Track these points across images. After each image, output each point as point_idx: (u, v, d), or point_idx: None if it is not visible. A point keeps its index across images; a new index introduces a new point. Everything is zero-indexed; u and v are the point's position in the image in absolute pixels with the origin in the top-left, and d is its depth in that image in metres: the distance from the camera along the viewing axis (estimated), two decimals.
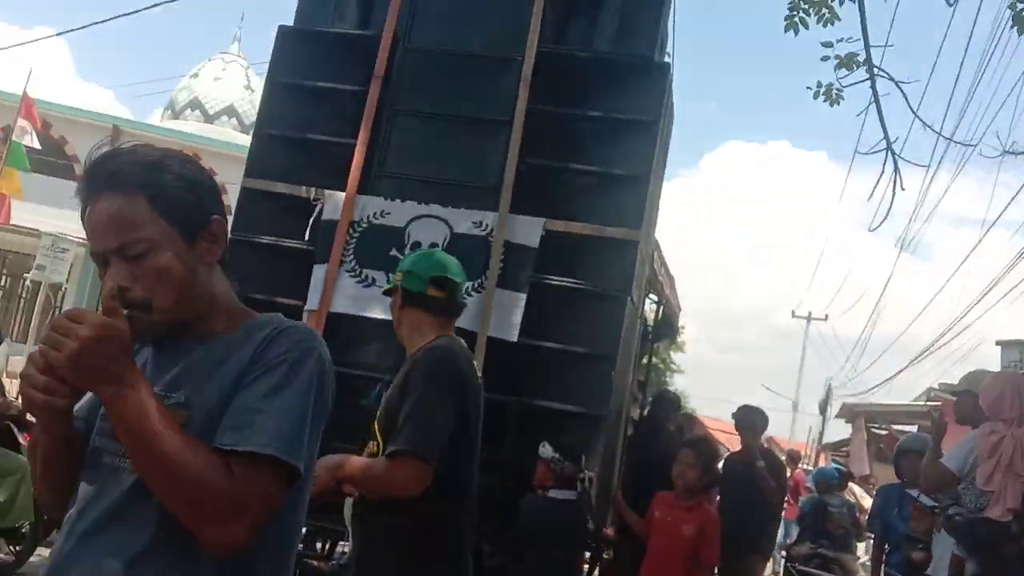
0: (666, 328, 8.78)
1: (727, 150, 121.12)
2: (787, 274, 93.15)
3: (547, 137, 4.98)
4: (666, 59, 5.34)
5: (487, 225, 4.82)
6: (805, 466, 15.00)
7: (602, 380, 4.70)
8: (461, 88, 5.00)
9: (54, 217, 20.28)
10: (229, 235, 4.83)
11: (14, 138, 15.81)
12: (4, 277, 22.65)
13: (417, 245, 4.84)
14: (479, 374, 2.99)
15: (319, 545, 5.05)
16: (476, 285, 4.73)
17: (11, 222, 16.13)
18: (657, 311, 8.18)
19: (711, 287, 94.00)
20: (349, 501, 2.87)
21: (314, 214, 4.89)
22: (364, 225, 4.89)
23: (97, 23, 22.89)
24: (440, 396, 2.71)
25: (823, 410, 27.29)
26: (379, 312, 4.74)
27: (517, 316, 4.73)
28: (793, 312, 34.21)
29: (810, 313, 33.51)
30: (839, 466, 12.89)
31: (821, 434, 26.24)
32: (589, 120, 5.04)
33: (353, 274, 4.84)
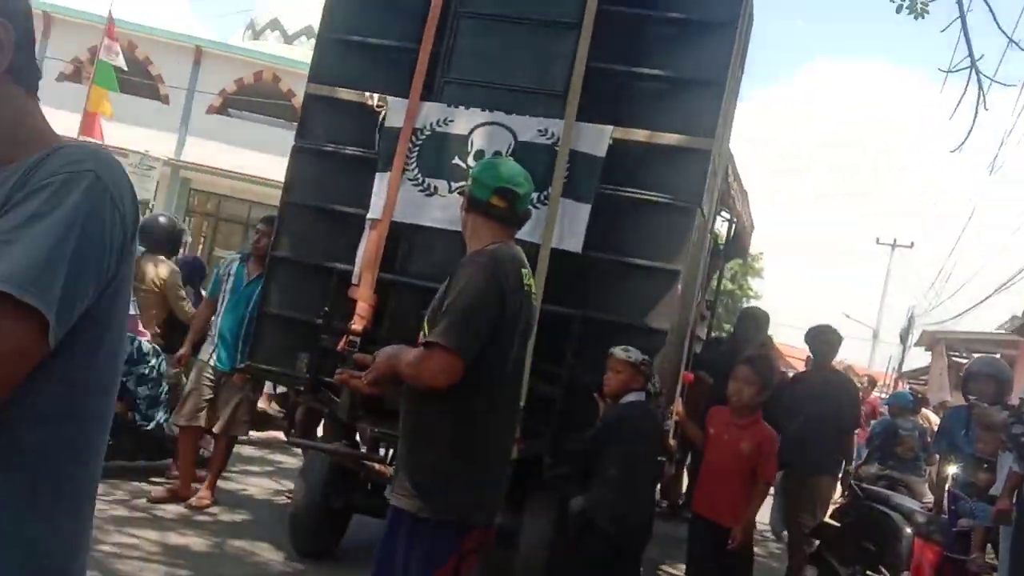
0: (738, 247, 8.47)
1: (816, 66, 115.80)
2: (874, 197, 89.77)
3: (617, 41, 4.70)
4: None
5: (553, 133, 4.60)
6: (879, 394, 14.60)
7: (667, 294, 4.51)
8: None
9: (140, 136, 20.69)
10: (296, 143, 4.62)
11: (102, 57, 15.97)
12: None
13: (481, 153, 4.66)
14: (528, 281, 2.91)
15: (382, 450, 5.05)
16: (541, 196, 4.56)
17: (103, 140, 16.43)
18: (729, 228, 7.88)
19: (793, 210, 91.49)
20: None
21: (379, 121, 4.75)
22: (427, 133, 4.72)
23: None
24: (478, 295, 2.71)
25: (904, 338, 26.55)
26: (441, 221, 4.61)
27: (582, 227, 4.54)
28: (877, 239, 33.14)
29: (895, 239, 32.41)
30: (913, 390, 12.51)
31: (901, 362, 25.56)
32: (662, 22, 4.74)
33: (415, 182, 4.70)
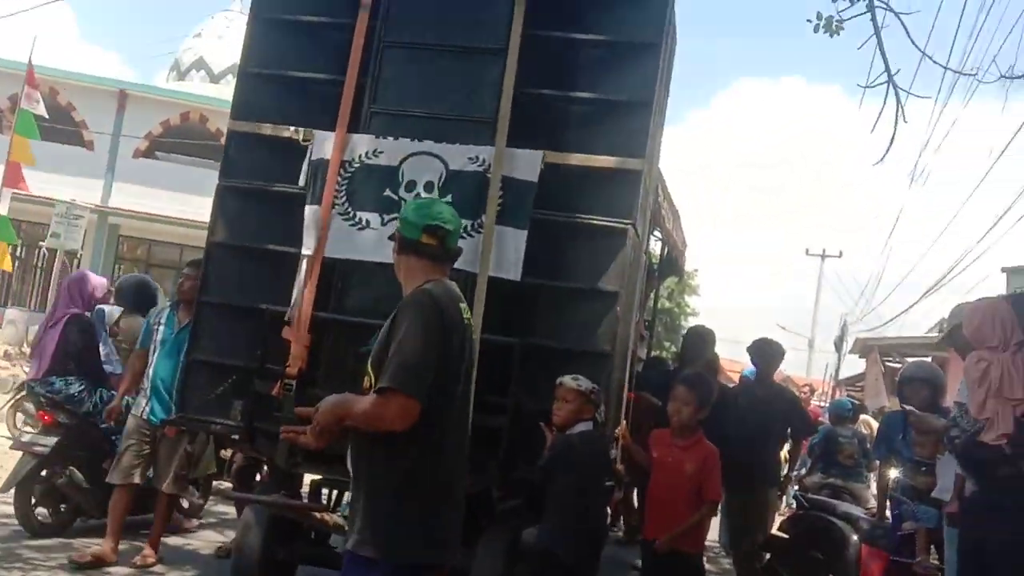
0: (672, 265, 8.48)
1: (739, 87, 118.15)
2: (801, 211, 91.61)
3: (544, 65, 4.63)
4: None
5: (484, 160, 4.51)
6: (819, 403, 14.82)
7: (607, 317, 4.44)
8: (452, 17, 4.62)
9: (64, 184, 20.10)
10: (220, 182, 4.49)
11: (22, 106, 15.58)
12: (20, 247, 22.50)
13: (412, 184, 4.55)
14: (467, 315, 2.97)
15: (325, 495, 4.86)
16: (475, 224, 4.46)
17: (26, 190, 15.92)
18: (662, 248, 7.88)
19: (724, 227, 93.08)
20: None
21: (306, 156, 4.61)
22: (356, 165, 4.59)
23: None
24: (423, 335, 2.73)
25: (839, 347, 27.00)
26: (374, 255, 4.47)
27: (518, 254, 4.45)
28: (807, 250, 33.77)
29: (824, 250, 33.06)
30: (851, 399, 12.69)
31: (837, 370, 25.98)
32: (587, 45, 4.69)
33: (346, 216, 4.55)
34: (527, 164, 4.52)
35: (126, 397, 5.73)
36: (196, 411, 4.67)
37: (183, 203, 20.39)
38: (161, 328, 5.55)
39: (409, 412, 2.66)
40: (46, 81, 20.84)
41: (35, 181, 17.97)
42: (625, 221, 4.49)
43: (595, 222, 4.48)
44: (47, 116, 15.60)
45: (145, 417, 5.46)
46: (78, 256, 20.16)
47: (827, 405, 11.27)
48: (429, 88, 4.62)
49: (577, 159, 4.55)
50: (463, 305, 2.95)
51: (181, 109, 22.67)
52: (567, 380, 4.22)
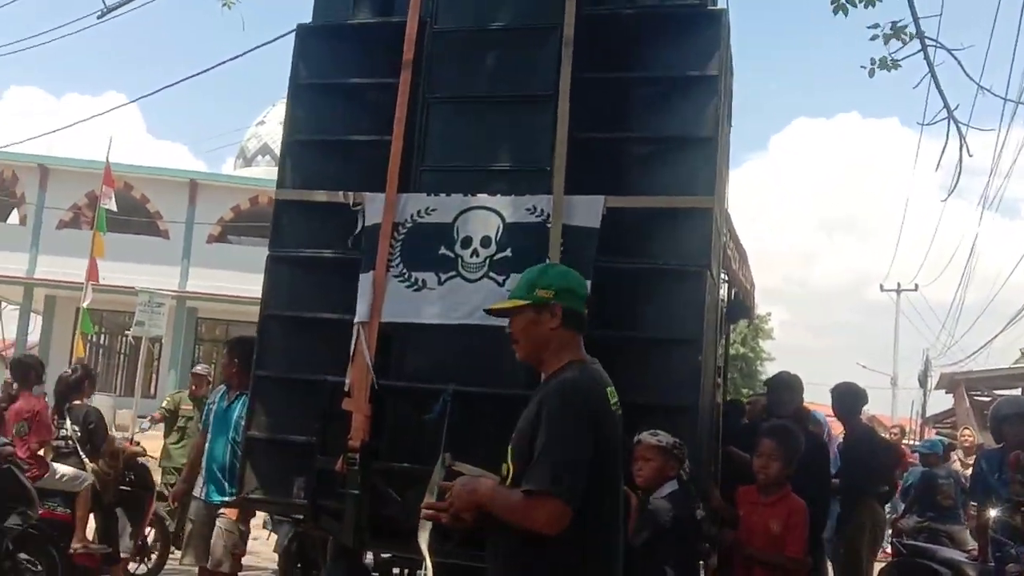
0: (741, 307, 7.96)
1: (794, 128, 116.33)
2: (871, 247, 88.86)
3: (598, 107, 4.27)
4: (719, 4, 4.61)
5: (542, 210, 4.15)
6: (909, 441, 13.98)
7: (688, 367, 3.98)
8: (498, 66, 4.31)
9: (141, 273, 20.46)
10: (271, 253, 4.17)
11: (101, 204, 16.11)
12: (104, 335, 22.91)
13: (468, 240, 4.21)
14: (614, 399, 2.62)
15: (396, 573, 4.46)
16: None
17: (100, 281, 16.27)
18: (729, 289, 7.38)
19: (795, 269, 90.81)
20: (427, 527, 2.65)
21: (358, 221, 4.32)
22: (409, 225, 4.27)
23: (167, 87, 23.08)
24: (575, 433, 2.42)
25: (923, 382, 25.73)
26: (434, 316, 4.14)
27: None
28: (881, 286, 32.46)
29: (899, 284, 31.76)
30: (942, 438, 11.92)
31: (924, 407, 24.70)
32: (643, 83, 4.33)
33: (402, 279, 4.22)
34: (588, 210, 4.14)
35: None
36: (256, 490, 4.32)
37: (256, 283, 20.38)
38: (214, 407, 5.37)
39: (561, 519, 2.35)
40: (121, 177, 21.45)
41: (114, 271, 18.41)
42: (699, 264, 4.07)
43: (667, 267, 4.07)
44: (116, 210, 15.97)
45: (203, 498, 5.23)
46: (162, 342, 20.40)
47: (917, 444, 10.56)
48: (479, 140, 4.30)
49: (641, 202, 4.16)
50: (611, 389, 2.62)
51: (249, 194, 23.02)
52: (646, 437, 3.76)
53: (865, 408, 7.34)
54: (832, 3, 6.79)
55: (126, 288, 18.67)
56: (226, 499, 4.95)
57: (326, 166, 4.47)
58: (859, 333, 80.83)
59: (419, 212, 4.25)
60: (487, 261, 4.15)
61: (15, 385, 6.21)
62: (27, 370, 6.22)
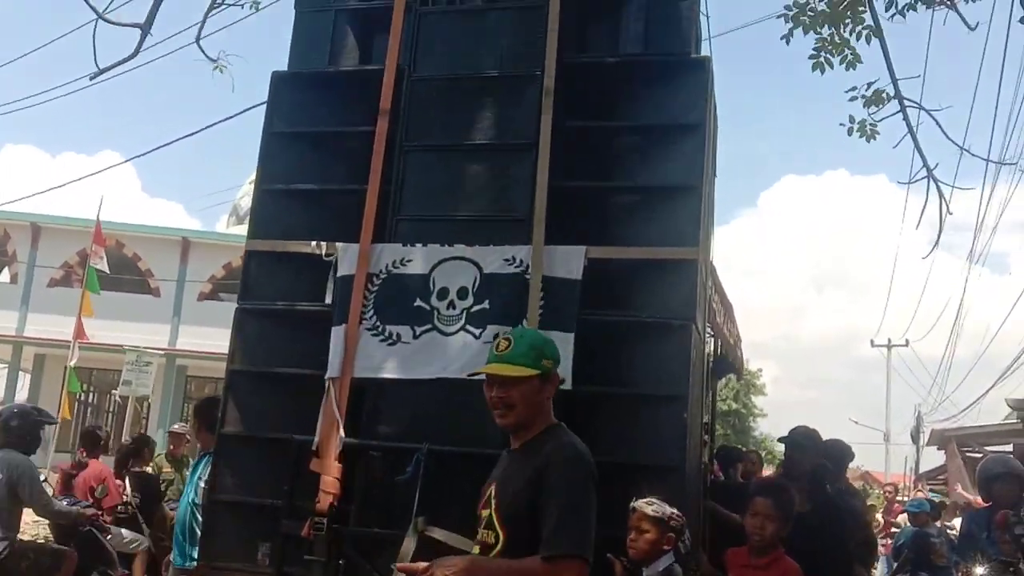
0: (726, 362, 7.68)
1: (783, 186, 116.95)
2: (862, 303, 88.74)
3: (579, 156, 4.11)
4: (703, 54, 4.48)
5: (521, 260, 3.95)
6: (902, 498, 13.67)
7: (674, 424, 3.74)
8: (477, 115, 4.15)
9: (132, 331, 20.17)
10: (239, 305, 3.98)
11: (91, 263, 16.07)
12: (92, 394, 22.48)
13: (444, 291, 3.99)
14: None
15: None
16: None
17: (89, 339, 16.07)
18: (715, 343, 7.12)
19: (785, 325, 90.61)
20: None
21: (330, 271, 4.11)
22: (383, 276, 4.05)
23: (161, 147, 23.03)
24: (591, 495, 2.45)
25: (915, 438, 25.35)
26: (407, 371, 3.90)
27: (567, 360, 3.79)
28: (872, 341, 32.23)
29: (889, 340, 31.52)
30: (934, 495, 11.67)
31: (917, 464, 24.28)
32: (626, 131, 4.18)
33: (375, 332, 3.98)
34: (569, 261, 3.94)
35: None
36: (219, 557, 4.00)
37: None
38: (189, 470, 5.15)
39: None
40: (112, 235, 21.30)
41: (104, 329, 18.15)
42: (685, 317, 3.85)
43: (651, 320, 3.85)
44: (108, 271, 15.93)
45: (172, 562, 4.96)
46: (148, 400, 19.98)
47: (907, 503, 10.36)
48: (457, 190, 4.11)
49: (624, 252, 3.96)
50: None
51: (241, 251, 22.69)
52: (642, 506, 3.43)
53: (859, 464, 7.17)
54: (810, 59, 6.83)
55: (115, 346, 18.39)
56: (186, 565, 4.64)
57: (300, 216, 4.26)
58: (850, 389, 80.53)
59: (394, 263, 4.04)
60: (464, 313, 3.93)
61: (84, 452, 6.80)
62: (96, 439, 7.09)
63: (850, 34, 6.81)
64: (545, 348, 2.61)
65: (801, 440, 5.15)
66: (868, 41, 6.73)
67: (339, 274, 4.06)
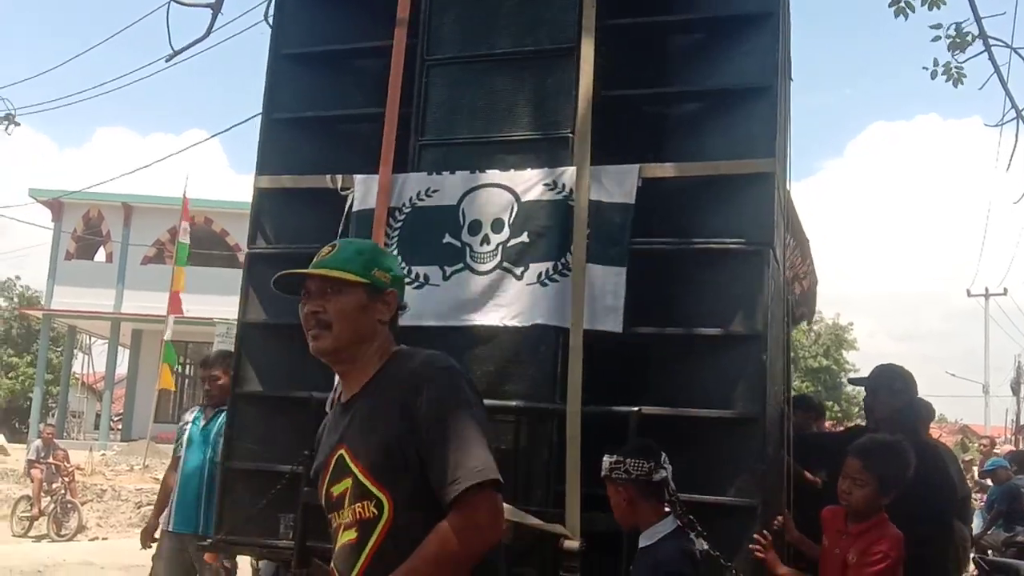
0: (805, 306, 6.78)
1: (871, 133, 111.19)
2: (956, 252, 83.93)
3: (628, 60, 3.39)
4: None
5: (563, 185, 3.25)
6: (999, 451, 12.62)
7: (751, 369, 3.01)
8: (508, 19, 3.42)
9: (224, 304, 20.17)
10: (249, 250, 3.31)
11: (179, 240, 16.17)
12: (188, 366, 22.70)
13: (476, 225, 3.32)
14: None
15: None
16: (559, 266, 3.19)
17: (184, 313, 16.15)
18: (791, 283, 6.23)
19: (877, 277, 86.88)
20: None
21: (346, 207, 3.48)
22: (407, 210, 3.41)
23: (242, 122, 22.82)
24: (477, 408, 1.84)
25: (1015, 390, 23.69)
26: (438, 317, 3.27)
27: (618, 298, 3.11)
28: (968, 291, 30.13)
29: (987, 289, 29.49)
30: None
31: (1018, 415, 22.65)
32: (682, 27, 3.44)
33: None
34: (620, 183, 3.22)
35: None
36: (236, 531, 3.45)
37: None
38: (188, 428, 4.53)
39: (501, 510, 1.78)
40: (201, 212, 21.33)
41: (196, 303, 18.22)
42: (761, 242, 3.10)
43: (720, 246, 3.11)
44: (187, 242, 15.92)
45: (170, 529, 4.38)
46: None
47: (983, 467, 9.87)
48: (487, 107, 3.41)
49: (685, 169, 3.23)
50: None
51: None
52: (605, 461, 2.73)
53: (959, 418, 6.46)
54: (891, 5, 6.36)
55: (206, 319, 18.45)
56: (198, 532, 4.12)
57: (311, 147, 3.64)
58: (947, 340, 76.82)
59: (419, 194, 3.40)
60: (499, 248, 3.27)
61: None
62: None
63: None
64: (379, 258, 2.00)
65: (871, 384, 4.18)
66: None
67: (355, 209, 3.42)
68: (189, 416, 4.62)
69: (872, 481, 3.04)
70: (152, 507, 4.87)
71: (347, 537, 1.84)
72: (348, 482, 1.83)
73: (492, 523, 1.76)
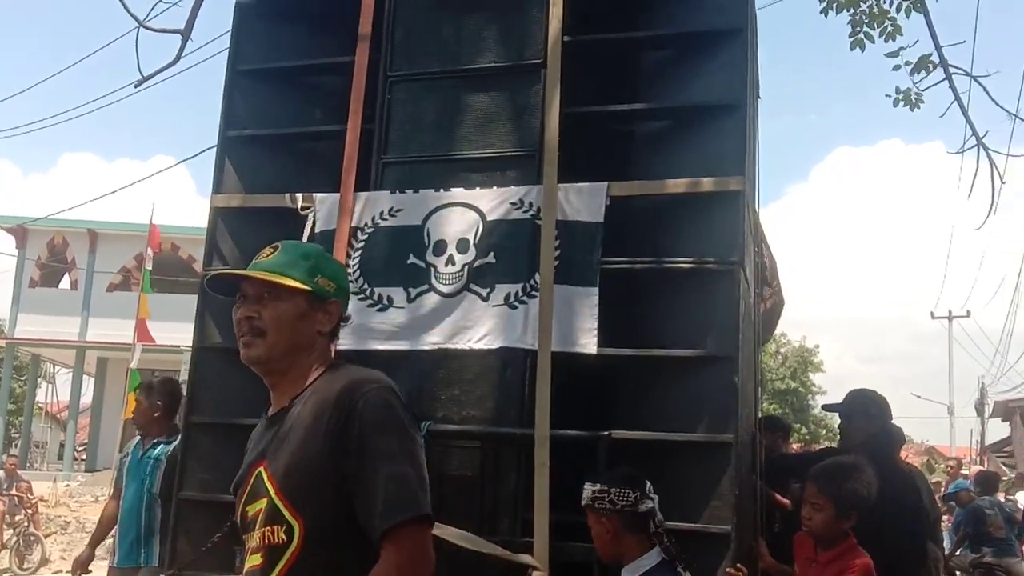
0: (770, 325, 6.71)
1: (835, 157, 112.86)
2: (920, 276, 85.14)
3: (596, 76, 3.32)
4: None
5: (530, 203, 3.14)
6: (966, 472, 12.68)
7: (722, 391, 2.90)
8: (473, 34, 3.34)
9: (189, 332, 19.80)
10: (204, 272, 3.14)
11: (145, 267, 15.86)
12: None
13: (441, 245, 3.21)
14: None
15: None
16: (527, 287, 3.07)
17: (154, 341, 15.80)
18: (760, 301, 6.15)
19: (842, 300, 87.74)
20: None
21: (307, 227, 3.34)
22: (370, 230, 3.28)
23: (208, 149, 22.59)
24: (414, 436, 1.68)
25: (979, 411, 23.87)
26: (402, 341, 3.14)
27: (590, 319, 3.00)
28: (932, 313, 30.44)
29: (950, 311, 29.82)
30: (1006, 467, 10.90)
31: (982, 436, 22.82)
32: (650, 44, 3.37)
33: (362, 296, 3.21)
34: (588, 201, 3.12)
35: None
36: (191, 564, 3.26)
37: None
38: (127, 460, 4.37)
39: (431, 546, 1.62)
40: (168, 238, 20.95)
41: (163, 331, 17.84)
42: (731, 261, 3.01)
43: (689, 265, 3.02)
44: (150, 268, 15.68)
45: (115, 565, 4.22)
46: None
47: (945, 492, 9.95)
48: (452, 124, 3.31)
49: (653, 187, 3.14)
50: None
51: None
52: (585, 491, 2.57)
53: (924, 439, 6.39)
54: (850, 37, 6.40)
55: (172, 347, 18.07)
56: (140, 565, 3.95)
57: (270, 166, 3.50)
58: (912, 362, 77.60)
59: (381, 214, 3.27)
60: (465, 269, 3.15)
61: None
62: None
63: (890, 6, 6.34)
64: (324, 264, 1.86)
65: (845, 410, 4.11)
66: (908, 15, 6.25)
67: (317, 230, 3.29)
68: (128, 448, 4.47)
69: (828, 505, 2.93)
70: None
71: (252, 562, 1.67)
72: (263, 502, 1.67)
73: (425, 559, 1.60)
